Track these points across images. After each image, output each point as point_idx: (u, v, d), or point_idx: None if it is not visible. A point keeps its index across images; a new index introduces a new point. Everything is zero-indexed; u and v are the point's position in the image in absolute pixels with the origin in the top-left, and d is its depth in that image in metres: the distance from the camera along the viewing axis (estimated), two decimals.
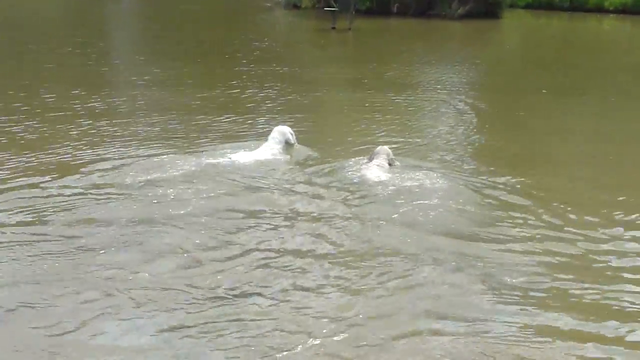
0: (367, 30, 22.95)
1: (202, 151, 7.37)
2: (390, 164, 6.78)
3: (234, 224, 5.38)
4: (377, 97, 11.12)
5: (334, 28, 22.16)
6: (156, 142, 7.85)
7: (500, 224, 5.62)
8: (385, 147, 7.00)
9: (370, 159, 6.81)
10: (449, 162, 7.47)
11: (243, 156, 7.05)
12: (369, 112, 9.94)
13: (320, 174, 6.70)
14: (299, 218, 5.57)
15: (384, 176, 6.49)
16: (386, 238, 5.22)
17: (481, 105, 11.06)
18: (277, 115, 9.48)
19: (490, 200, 6.15)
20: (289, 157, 7.23)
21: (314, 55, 17.64)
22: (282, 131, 7.38)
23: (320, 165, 6.99)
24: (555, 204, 6.06)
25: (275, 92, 11.41)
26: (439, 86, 12.58)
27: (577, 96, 12.18)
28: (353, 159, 7.11)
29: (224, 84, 11.79)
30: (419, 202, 5.93)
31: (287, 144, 7.34)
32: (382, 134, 8.65)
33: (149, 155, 7.16)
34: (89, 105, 9.85)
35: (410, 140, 8.40)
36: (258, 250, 4.96)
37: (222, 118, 9.22)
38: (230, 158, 6.99)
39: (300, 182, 6.46)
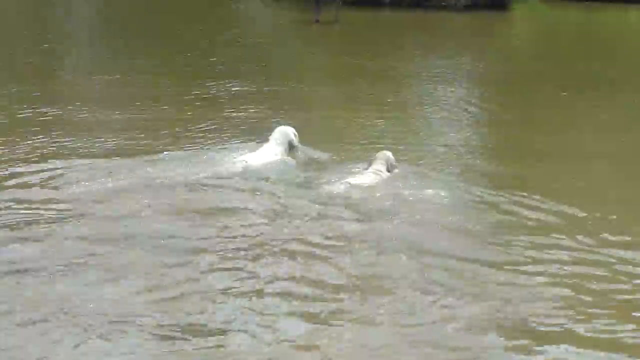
0: (357, 24, 23.01)
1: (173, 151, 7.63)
2: (389, 171, 7.06)
3: (194, 240, 5.49)
4: (378, 97, 11.39)
5: (317, 21, 22.20)
6: (122, 145, 7.99)
7: (513, 243, 5.60)
8: (386, 152, 7.27)
9: (369, 165, 7.12)
10: (453, 169, 7.65)
11: (234, 160, 7.31)
12: (370, 113, 10.17)
13: (310, 182, 6.95)
14: (264, 235, 5.68)
15: (366, 183, 6.78)
16: (371, 261, 5.25)
17: (492, 106, 11.27)
18: (264, 115, 9.70)
19: (500, 214, 6.22)
20: (287, 160, 7.49)
21: (297, 52, 17.70)
22: (284, 132, 7.62)
23: (314, 172, 7.28)
24: (581, 220, 6.10)
25: (255, 88, 11.70)
26: (443, 86, 12.84)
27: (602, 96, 12.36)
28: (353, 164, 7.43)
29: (201, 84, 11.85)
30: (411, 216, 6.05)
31: (290, 146, 7.57)
32: (387, 136, 8.90)
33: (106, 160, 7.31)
34: (42, 109, 9.82)
35: (414, 143, 8.64)
36: (219, 270, 5.04)
37: (202, 121, 9.30)
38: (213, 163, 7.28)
39: (277, 192, 6.66)
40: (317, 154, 7.75)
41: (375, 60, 15.21)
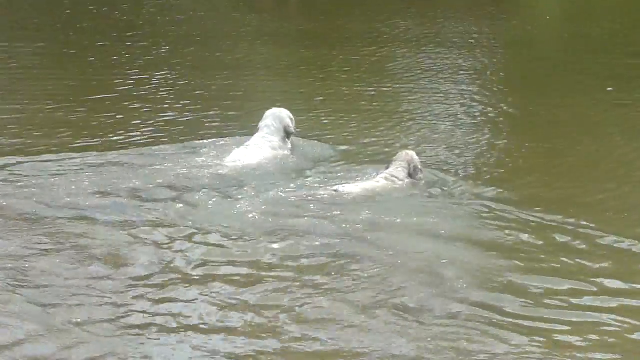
0: None
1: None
2: (411, 175, 7.13)
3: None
4: (368, 92, 11.57)
5: None
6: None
7: (524, 267, 5.72)
8: (409, 152, 7.37)
9: (387, 167, 7.27)
10: (468, 174, 7.81)
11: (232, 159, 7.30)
12: (360, 111, 10.33)
13: (303, 184, 7.06)
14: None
15: (354, 191, 6.83)
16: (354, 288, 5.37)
17: (506, 107, 11.18)
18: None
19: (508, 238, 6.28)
20: (283, 156, 7.50)
21: (255, 30, 17.81)
22: (278, 116, 7.59)
23: (312, 172, 7.39)
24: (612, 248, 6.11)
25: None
26: (442, 82, 12.69)
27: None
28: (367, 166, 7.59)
29: (129, 74, 12.30)
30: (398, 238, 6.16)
31: (287, 134, 7.55)
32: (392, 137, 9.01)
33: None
34: None
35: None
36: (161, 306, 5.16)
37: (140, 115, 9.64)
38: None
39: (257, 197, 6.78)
40: (319, 148, 7.95)
41: (350, 47, 15.25)
